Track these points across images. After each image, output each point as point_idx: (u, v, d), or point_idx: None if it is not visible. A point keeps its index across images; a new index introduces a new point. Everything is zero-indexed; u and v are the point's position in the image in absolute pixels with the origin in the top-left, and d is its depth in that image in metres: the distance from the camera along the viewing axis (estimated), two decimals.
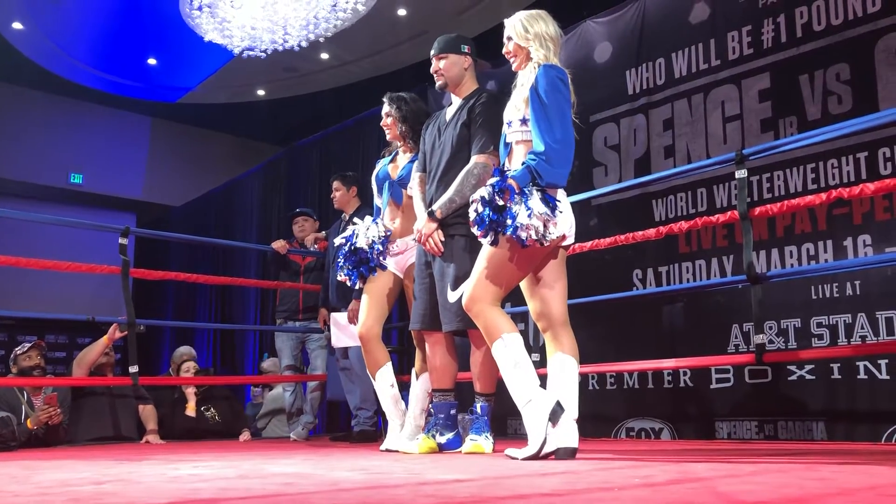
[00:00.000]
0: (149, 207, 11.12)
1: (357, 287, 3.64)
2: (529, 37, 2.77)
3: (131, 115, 10.79)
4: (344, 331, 4.42)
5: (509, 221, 2.51)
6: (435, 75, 3.35)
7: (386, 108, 3.67)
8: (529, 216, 2.48)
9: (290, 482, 1.81)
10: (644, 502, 1.35)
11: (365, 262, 3.51)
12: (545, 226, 2.50)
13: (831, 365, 3.79)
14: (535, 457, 2.47)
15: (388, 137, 3.75)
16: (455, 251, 3.12)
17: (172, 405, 5.41)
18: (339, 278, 3.64)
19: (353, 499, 1.48)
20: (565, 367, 2.66)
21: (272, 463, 2.57)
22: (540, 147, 2.60)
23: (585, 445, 3.02)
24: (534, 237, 2.49)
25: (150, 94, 10.10)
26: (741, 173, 3.33)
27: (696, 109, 4.55)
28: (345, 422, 6.38)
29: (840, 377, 3.76)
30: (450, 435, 3.24)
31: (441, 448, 3.21)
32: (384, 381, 3.56)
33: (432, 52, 3.35)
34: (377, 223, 3.56)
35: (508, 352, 2.61)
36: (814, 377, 3.85)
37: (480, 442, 3.08)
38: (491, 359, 3.10)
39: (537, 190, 2.54)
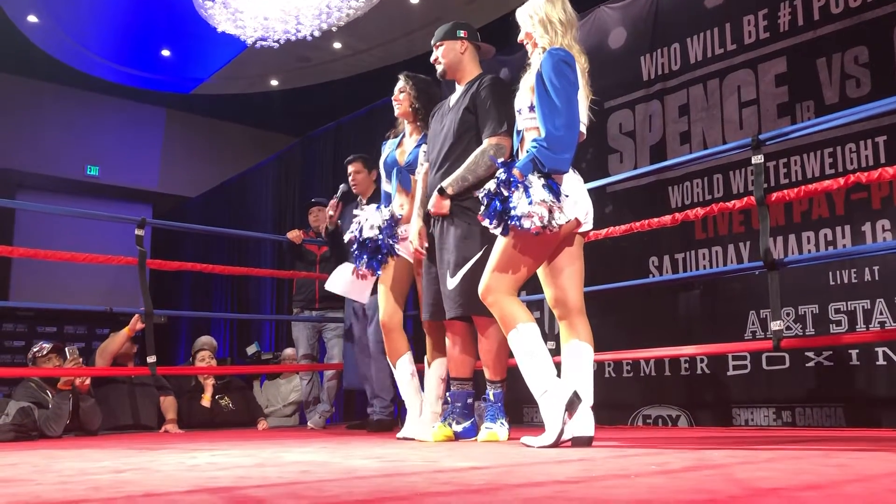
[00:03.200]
0: (164, 198, 11.18)
1: (379, 274, 3.65)
2: (535, 22, 2.75)
3: (146, 107, 10.84)
4: (340, 277, 4.14)
5: (512, 211, 2.50)
6: (435, 64, 3.37)
7: (401, 84, 3.65)
8: (530, 203, 2.47)
9: (307, 470, 1.82)
10: (660, 489, 1.34)
11: (379, 250, 3.53)
12: (550, 212, 2.49)
13: (850, 351, 3.76)
14: (552, 446, 2.47)
15: (396, 112, 3.71)
16: (454, 238, 3.13)
17: (189, 395, 5.46)
18: (361, 272, 3.66)
19: (369, 486, 1.48)
20: (581, 355, 2.65)
21: (289, 451, 2.59)
22: (542, 133, 2.58)
23: (601, 433, 3.02)
24: (538, 224, 2.47)
25: (164, 86, 10.13)
26: (758, 159, 3.30)
27: (712, 95, 4.51)
28: (361, 410, 6.41)
29: (859, 363, 3.73)
30: (466, 423, 3.25)
31: (457, 437, 3.22)
32: (405, 369, 3.57)
33: (432, 42, 3.37)
34: (380, 209, 3.57)
35: (524, 341, 2.60)
36: (832, 363, 3.82)
37: (495, 430, 3.09)
38: (499, 345, 3.11)
39: (540, 177, 2.52)
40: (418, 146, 3.57)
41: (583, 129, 2.72)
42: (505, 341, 2.99)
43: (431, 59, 3.38)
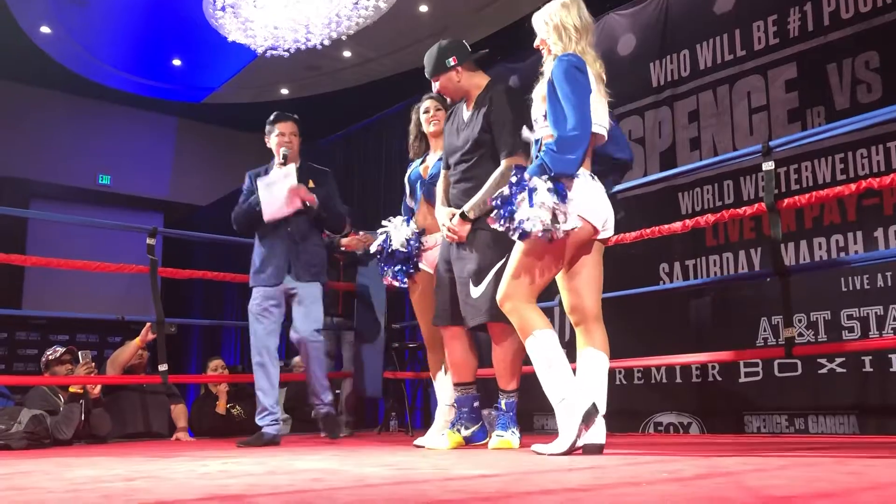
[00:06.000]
0: (176, 207, 11.22)
1: (405, 285, 3.67)
2: (549, 29, 2.75)
3: (157, 116, 10.91)
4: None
5: (515, 215, 2.50)
6: (442, 94, 3.37)
7: (436, 104, 3.64)
8: (531, 206, 2.46)
9: (318, 478, 1.82)
10: (672, 497, 1.34)
11: (406, 261, 3.55)
12: (554, 215, 2.47)
13: (862, 357, 3.73)
14: (563, 455, 2.45)
15: (432, 129, 3.66)
16: (477, 246, 3.13)
17: (200, 402, 5.47)
18: (385, 282, 3.69)
19: (381, 494, 1.48)
20: (595, 363, 2.64)
21: (300, 459, 2.59)
22: (553, 138, 2.59)
23: (613, 440, 3.01)
24: (540, 228, 2.46)
25: (175, 95, 10.19)
26: (768, 165, 3.29)
27: (722, 101, 4.50)
28: (371, 416, 6.40)
29: (872, 370, 3.71)
30: (475, 427, 3.25)
31: (466, 441, 3.22)
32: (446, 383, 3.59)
33: (427, 75, 3.31)
34: (408, 222, 3.60)
35: (542, 349, 2.59)
36: (845, 370, 3.80)
37: (507, 437, 3.08)
38: (513, 354, 3.10)
39: (547, 180, 2.51)
40: (440, 161, 3.58)
41: (602, 131, 2.72)
42: (519, 350, 2.98)
43: (434, 91, 3.36)
